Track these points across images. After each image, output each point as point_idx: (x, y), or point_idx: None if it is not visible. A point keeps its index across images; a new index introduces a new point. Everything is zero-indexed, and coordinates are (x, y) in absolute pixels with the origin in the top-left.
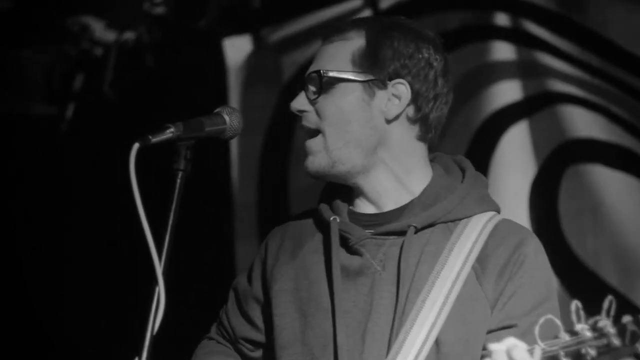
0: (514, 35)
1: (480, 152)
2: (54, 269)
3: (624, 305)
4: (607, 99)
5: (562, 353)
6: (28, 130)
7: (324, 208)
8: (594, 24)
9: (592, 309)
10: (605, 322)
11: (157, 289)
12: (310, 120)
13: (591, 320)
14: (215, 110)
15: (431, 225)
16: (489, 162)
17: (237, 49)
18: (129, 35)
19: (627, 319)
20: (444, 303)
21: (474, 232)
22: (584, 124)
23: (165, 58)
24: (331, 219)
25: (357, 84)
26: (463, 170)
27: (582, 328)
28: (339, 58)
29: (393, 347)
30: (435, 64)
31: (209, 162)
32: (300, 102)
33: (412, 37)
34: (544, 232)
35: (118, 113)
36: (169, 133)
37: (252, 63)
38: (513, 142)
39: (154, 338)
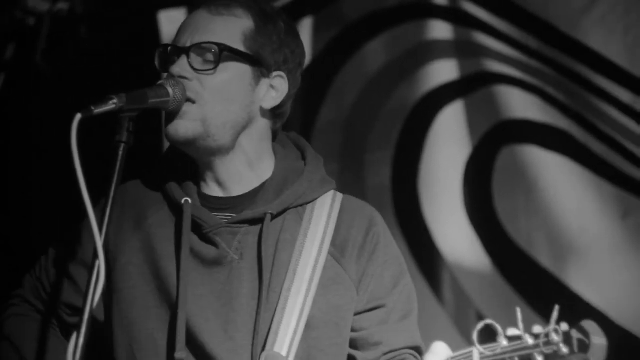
0: (452, 15)
1: (416, 129)
2: None
3: (556, 287)
4: (543, 80)
5: (507, 358)
6: None
7: (172, 186)
8: (533, 6)
9: (523, 290)
10: (550, 330)
11: (97, 262)
12: (190, 88)
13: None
14: (159, 82)
15: (284, 211)
16: (424, 140)
17: (172, 22)
18: (62, 5)
19: (565, 326)
20: (308, 289)
21: (323, 216)
22: (519, 104)
23: (99, 29)
24: (183, 201)
25: (247, 66)
26: (301, 150)
27: (524, 335)
28: (231, 35)
29: (269, 337)
30: (303, 63)
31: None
32: (183, 68)
33: (294, 32)
34: (477, 212)
35: (50, 84)
36: (112, 104)
37: None
38: (448, 121)
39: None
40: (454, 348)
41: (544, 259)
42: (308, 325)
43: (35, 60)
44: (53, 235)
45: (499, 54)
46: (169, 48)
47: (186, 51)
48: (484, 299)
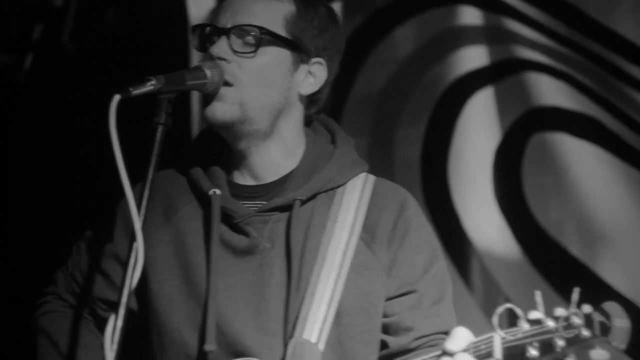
0: (482, 0)
1: (445, 116)
2: (18, 230)
3: (586, 275)
4: (574, 67)
5: (528, 342)
6: None
7: (200, 176)
8: None
9: (552, 278)
10: (571, 314)
11: (135, 245)
12: (228, 70)
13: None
14: (197, 64)
15: (313, 196)
16: (453, 127)
17: (200, 5)
18: None
19: (588, 308)
20: (339, 275)
21: (353, 199)
22: (549, 91)
23: (126, 11)
24: (211, 192)
25: (287, 51)
26: (331, 133)
27: (545, 318)
28: (272, 18)
29: (297, 324)
30: (342, 50)
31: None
32: (222, 50)
33: (335, 18)
34: (507, 199)
35: (77, 65)
36: (150, 86)
37: None
38: (478, 108)
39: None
40: (481, 335)
41: (574, 247)
42: (338, 312)
43: (62, 41)
44: (73, 222)
45: (529, 41)
46: (208, 28)
47: (226, 32)
48: (512, 287)
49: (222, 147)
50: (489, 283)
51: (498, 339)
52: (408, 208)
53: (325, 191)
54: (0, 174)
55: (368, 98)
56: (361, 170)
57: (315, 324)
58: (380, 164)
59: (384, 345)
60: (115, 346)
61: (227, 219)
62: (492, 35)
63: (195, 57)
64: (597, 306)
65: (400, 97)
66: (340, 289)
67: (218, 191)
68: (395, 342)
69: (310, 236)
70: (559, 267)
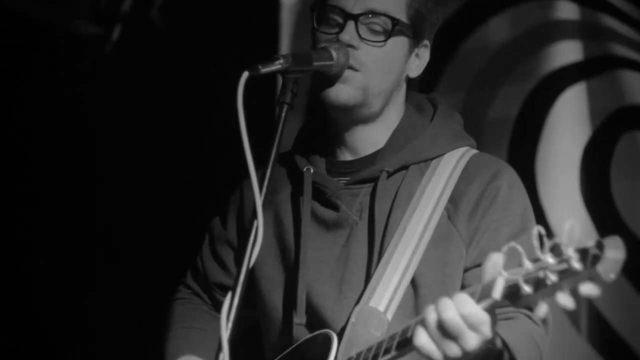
0: None
1: (534, 112)
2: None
3: None
4: None
5: (521, 280)
6: (72, 48)
7: (298, 158)
8: None
9: (638, 279)
10: (565, 246)
11: (255, 222)
12: (355, 56)
13: (551, 244)
14: (323, 45)
15: (404, 168)
16: (543, 122)
17: None
18: None
19: (590, 243)
20: (417, 246)
21: (446, 171)
22: None
23: None
24: (304, 169)
25: (407, 38)
26: (434, 108)
27: (545, 254)
28: (396, 6)
29: (366, 292)
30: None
31: None
32: (352, 36)
33: (435, 1)
34: (594, 197)
35: (165, 40)
36: (278, 64)
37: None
38: (569, 104)
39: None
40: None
41: None
42: (416, 283)
43: (151, 15)
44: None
45: (625, 38)
46: (335, 9)
47: (355, 18)
48: None
49: (323, 127)
50: None
51: (501, 280)
52: (499, 178)
53: (417, 163)
54: (88, 140)
55: (457, 88)
56: (462, 144)
57: (385, 293)
58: None
59: None
60: (230, 325)
61: (320, 194)
62: (587, 31)
63: (285, 33)
64: (598, 240)
65: (490, 89)
66: (417, 261)
67: (312, 169)
68: None
69: (395, 207)
70: None
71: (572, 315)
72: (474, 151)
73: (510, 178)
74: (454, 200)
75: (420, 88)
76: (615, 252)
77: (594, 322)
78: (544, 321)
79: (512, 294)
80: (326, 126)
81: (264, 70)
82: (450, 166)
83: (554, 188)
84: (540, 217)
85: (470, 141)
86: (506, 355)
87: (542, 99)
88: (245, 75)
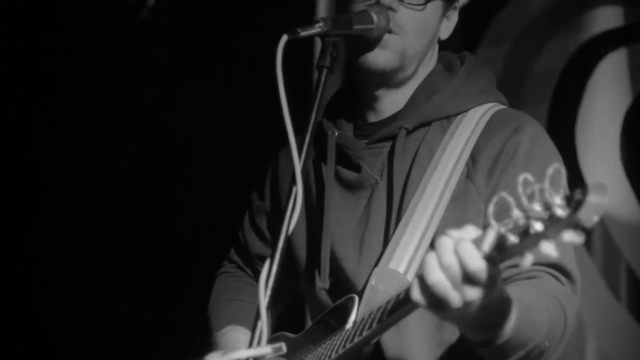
0: None
1: (575, 77)
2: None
3: None
4: None
5: (508, 230)
6: (108, 12)
7: (325, 122)
8: None
9: None
10: (549, 192)
11: (294, 188)
12: (395, 19)
13: (537, 191)
14: (362, 8)
15: (425, 125)
16: (583, 88)
17: None
18: None
19: (578, 194)
20: (437, 205)
21: (468, 127)
22: None
23: None
24: (329, 132)
25: (442, 1)
26: (463, 63)
27: (531, 202)
28: None
29: (385, 254)
30: None
31: None
32: None
33: None
34: (635, 163)
35: (200, 6)
36: (318, 28)
37: None
38: (610, 69)
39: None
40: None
41: None
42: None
43: None
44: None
45: None
46: None
47: None
48: (635, 253)
49: (354, 91)
50: (609, 248)
51: (492, 233)
52: (521, 133)
53: (439, 120)
54: (130, 103)
55: (496, 55)
56: (488, 100)
57: (405, 254)
58: None
59: None
60: (268, 292)
61: (344, 156)
62: None
63: (322, 1)
64: (584, 186)
65: (530, 54)
66: (438, 219)
67: (337, 132)
68: None
69: (416, 165)
70: None
71: (611, 283)
72: (500, 106)
73: (533, 132)
74: (474, 157)
75: (463, 42)
76: (598, 197)
77: (634, 290)
78: (571, 279)
79: (500, 246)
80: (357, 89)
81: (304, 33)
82: (473, 122)
83: (594, 155)
84: (581, 184)
85: (498, 97)
86: (513, 314)
87: (582, 64)
88: (284, 38)
